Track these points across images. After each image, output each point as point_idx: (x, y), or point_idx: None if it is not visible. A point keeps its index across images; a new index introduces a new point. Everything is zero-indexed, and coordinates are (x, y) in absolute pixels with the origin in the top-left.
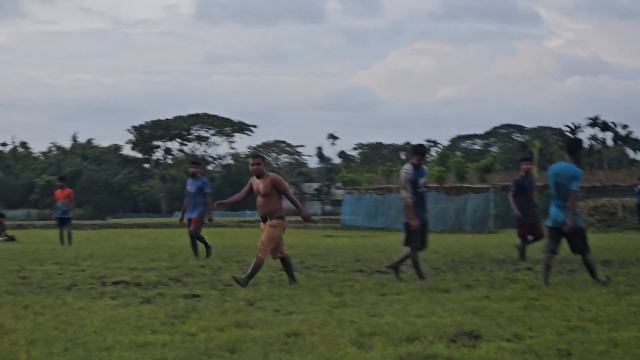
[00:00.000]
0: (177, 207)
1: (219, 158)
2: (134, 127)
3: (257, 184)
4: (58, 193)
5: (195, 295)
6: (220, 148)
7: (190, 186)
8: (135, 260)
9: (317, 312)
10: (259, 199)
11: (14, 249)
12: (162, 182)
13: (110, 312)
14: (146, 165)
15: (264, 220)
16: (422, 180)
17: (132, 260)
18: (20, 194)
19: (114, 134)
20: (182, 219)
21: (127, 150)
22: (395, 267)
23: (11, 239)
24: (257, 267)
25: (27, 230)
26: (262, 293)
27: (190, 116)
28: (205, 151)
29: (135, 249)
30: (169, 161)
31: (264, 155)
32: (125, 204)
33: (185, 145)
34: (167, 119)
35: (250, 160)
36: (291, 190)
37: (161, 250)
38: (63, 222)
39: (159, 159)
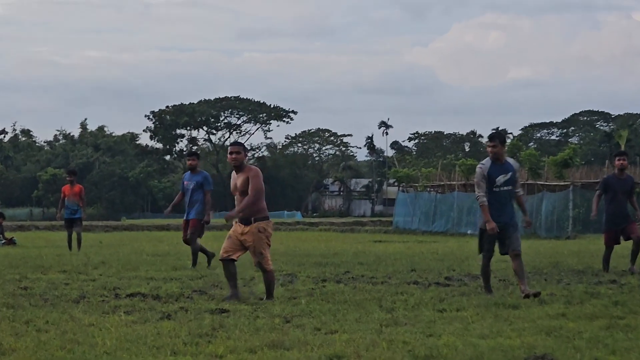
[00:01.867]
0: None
1: (252, 149)
2: (153, 112)
3: (235, 179)
4: (66, 189)
5: (224, 311)
6: (253, 137)
7: (188, 181)
8: (154, 268)
9: (365, 331)
10: (237, 198)
11: (13, 254)
12: None
13: (125, 330)
14: (167, 158)
15: (245, 222)
16: (501, 178)
17: (151, 268)
18: (21, 189)
19: (130, 121)
20: (170, 210)
21: (145, 140)
22: (534, 294)
23: (10, 242)
24: (272, 283)
25: (29, 232)
26: (300, 308)
27: (219, 100)
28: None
29: (155, 255)
30: None
31: (244, 145)
32: (143, 202)
33: (213, 134)
34: (191, 104)
35: (229, 149)
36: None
37: (184, 257)
38: (72, 223)
39: (182, 150)
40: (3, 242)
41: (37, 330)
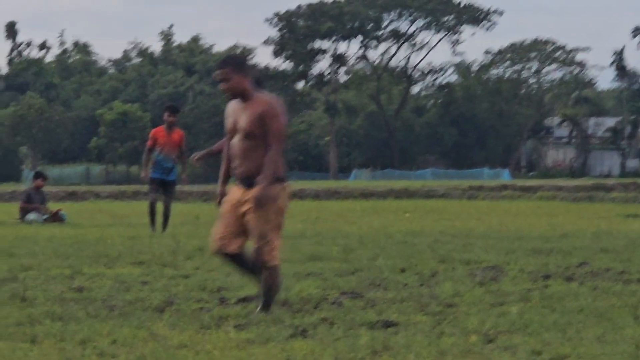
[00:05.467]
0: (352, 162)
1: (434, 72)
2: (278, 15)
3: (236, 113)
4: (160, 135)
5: (390, 324)
6: (434, 53)
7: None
8: (281, 257)
9: (612, 355)
10: (235, 144)
11: (61, 235)
12: (329, 116)
13: (236, 354)
14: (300, 86)
15: (248, 184)
16: None
17: None
18: (73, 137)
19: (240, 28)
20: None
21: (266, 58)
22: None
23: (56, 217)
24: (273, 286)
25: (84, 203)
26: (509, 320)
27: None
28: (407, 58)
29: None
30: (342, 77)
31: (238, 60)
32: None
33: (372, 47)
34: (337, 1)
35: (214, 74)
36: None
37: (328, 240)
38: (164, 187)
39: (322, 74)
40: (45, 216)
41: (98, 354)
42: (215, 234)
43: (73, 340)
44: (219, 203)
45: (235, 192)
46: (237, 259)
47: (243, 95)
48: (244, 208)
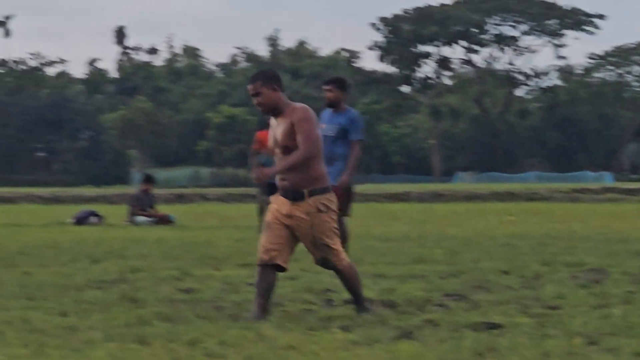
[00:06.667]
0: (456, 165)
1: (537, 76)
2: (383, 20)
3: (274, 128)
4: (266, 138)
5: (493, 325)
6: (538, 57)
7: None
8: (386, 259)
9: None
10: (277, 160)
11: (170, 238)
12: (433, 119)
13: (342, 354)
14: (405, 89)
15: (293, 197)
16: None
17: (381, 259)
18: (181, 140)
19: (346, 32)
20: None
21: (371, 62)
22: None
23: (164, 220)
24: (356, 282)
25: (192, 205)
26: (612, 322)
27: (484, 0)
28: (511, 63)
29: (386, 239)
30: (447, 81)
31: (266, 73)
32: (366, 156)
33: (476, 51)
34: (443, 6)
35: (248, 86)
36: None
37: (432, 243)
38: (272, 190)
39: (428, 78)
40: (153, 220)
41: (207, 354)
42: (264, 244)
43: (182, 340)
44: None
45: (281, 204)
46: (273, 274)
47: (275, 109)
48: (290, 220)
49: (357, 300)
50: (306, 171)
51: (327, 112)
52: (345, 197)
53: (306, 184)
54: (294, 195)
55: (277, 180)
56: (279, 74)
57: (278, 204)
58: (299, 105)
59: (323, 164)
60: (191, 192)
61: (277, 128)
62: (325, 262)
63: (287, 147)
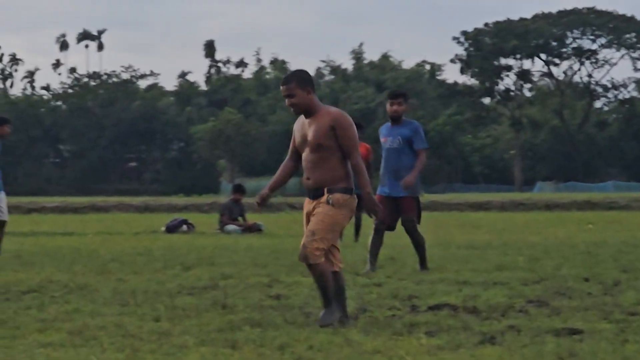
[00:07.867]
0: (537, 175)
1: (615, 88)
2: (465, 33)
3: (304, 127)
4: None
5: (575, 331)
6: (617, 70)
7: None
8: (469, 266)
9: None
10: (305, 158)
11: (259, 246)
12: (514, 131)
13: (427, 359)
14: (486, 101)
15: (314, 195)
16: None
17: (464, 266)
18: (269, 150)
19: (428, 45)
20: None
21: (453, 74)
22: None
23: (253, 228)
24: (324, 282)
25: (280, 214)
26: None
27: (564, 14)
28: (589, 75)
29: (469, 247)
30: (527, 93)
31: (299, 75)
32: (449, 167)
33: (555, 64)
34: (523, 20)
35: (281, 88)
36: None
37: (513, 250)
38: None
39: (509, 90)
40: (242, 228)
41: (296, 359)
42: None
43: (272, 345)
44: (258, 203)
45: (306, 204)
46: (333, 275)
47: (308, 110)
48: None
49: (325, 304)
50: (330, 170)
51: (386, 126)
52: (413, 206)
53: (327, 183)
54: (315, 194)
55: (304, 181)
56: (312, 76)
57: (306, 205)
58: (334, 109)
59: (347, 165)
60: (279, 201)
61: (308, 127)
62: (302, 248)
63: (321, 146)
